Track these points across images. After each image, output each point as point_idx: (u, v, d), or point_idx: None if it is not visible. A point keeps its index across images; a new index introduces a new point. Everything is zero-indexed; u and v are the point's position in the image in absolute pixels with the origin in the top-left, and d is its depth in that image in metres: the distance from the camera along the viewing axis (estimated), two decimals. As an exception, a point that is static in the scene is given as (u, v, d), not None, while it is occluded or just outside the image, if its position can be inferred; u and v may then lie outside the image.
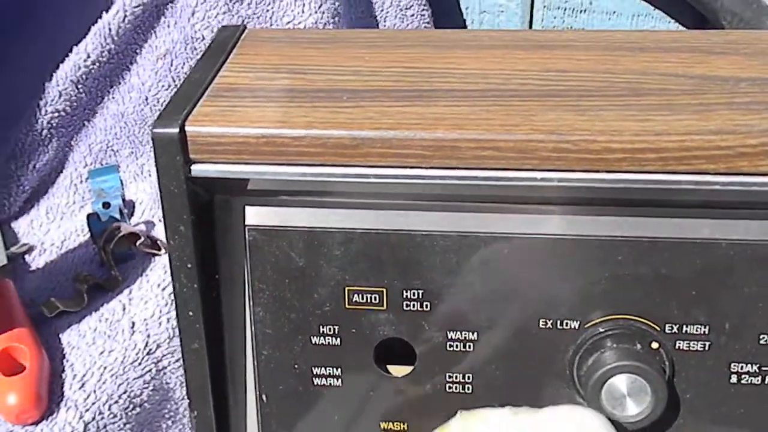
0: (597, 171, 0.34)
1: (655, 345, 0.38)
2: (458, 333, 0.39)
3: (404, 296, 0.39)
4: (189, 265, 0.37)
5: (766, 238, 0.36)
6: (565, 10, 0.73)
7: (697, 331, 0.38)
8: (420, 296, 0.39)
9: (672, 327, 0.38)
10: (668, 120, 0.34)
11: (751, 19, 0.64)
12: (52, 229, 0.62)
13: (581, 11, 0.73)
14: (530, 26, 0.75)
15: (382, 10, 0.69)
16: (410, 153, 0.34)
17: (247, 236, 0.39)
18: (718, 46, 0.40)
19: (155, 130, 0.35)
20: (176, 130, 0.35)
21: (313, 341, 0.40)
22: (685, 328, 0.38)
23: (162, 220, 0.37)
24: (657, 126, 0.33)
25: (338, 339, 0.40)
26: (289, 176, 0.36)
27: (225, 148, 0.35)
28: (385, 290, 0.39)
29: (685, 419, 0.39)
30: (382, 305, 0.39)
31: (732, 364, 0.38)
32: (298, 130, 0.35)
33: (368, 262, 0.39)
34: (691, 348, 0.38)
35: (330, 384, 0.41)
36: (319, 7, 0.60)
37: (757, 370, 0.38)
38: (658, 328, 0.38)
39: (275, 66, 0.40)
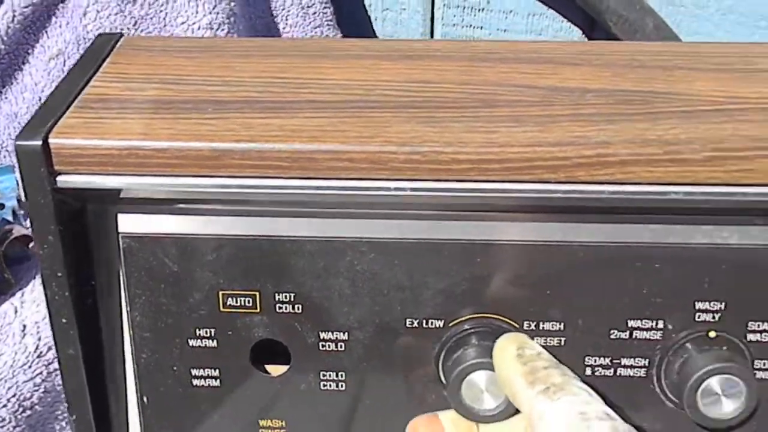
0: (446, 180, 0.35)
1: (513, 341, 0.40)
2: (330, 333, 0.41)
3: (276, 299, 0.40)
4: (59, 274, 0.38)
5: (609, 240, 0.38)
6: (464, 8, 0.75)
7: (553, 327, 0.40)
8: (292, 299, 0.40)
9: (530, 324, 0.40)
10: (513, 132, 0.36)
11: (635, 20, 0.67)
12: (-55, 232, 0.61)
13: (479, 9, 0.75)
14: (432, 23, 0.77)
15: (283, 9, 0.70)
16: (269, 164, 0.36)
17: (121, 243, 0.40)
18: (572, 56, 0.42)
19: (18, 143, 0.36)
20: (39, 142, 0.35)
21: (191, 344, 0.41)
22: (542, 325, 0.40)
23: (31, 231, 0.38)
24: (501, 138, 0.35)
25: (215, 341, 0.41)
26: (154, 187, 0.37)
27: (89, 159, 0.36)
28: (258, 293, 0.40)
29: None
30: (256, 308, 0.41)
31: (586, 358, 0.41)
32: (161, 142, 0.36)
33: (240, 266, 0.40)
34: (548, 343, 0.41)
35: (209, 384, 0.42)
36: (213, 8, 0.60)
37: (609, 363, 0.41)
38: (516, 325, 0.40)
39: (146, 76, 0.41)
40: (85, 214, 0.39)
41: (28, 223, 0.62)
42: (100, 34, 0.44)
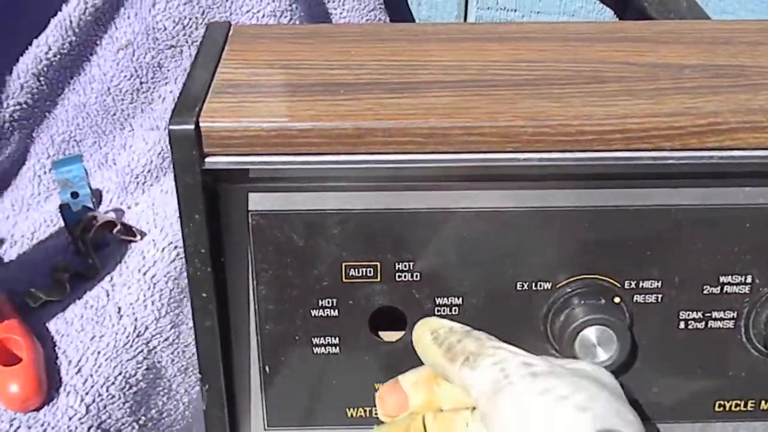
0: (571, 151, 0.39)
1: (617, 300, 0.44)
2: (445, 299, 0.44)
3: (396, 268, 0.43)
4: (202, 251, 0.40)
5: (707, 203, 0.42)
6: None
7: (651, 285, 0.44)
8: (411, 267, 0.43)
9: (630, 283, 0.44)
10: (629, 104, 0.39)
11: (669, 2, 0.71)
12: (19, 221, 0.63)
13: (514, -5, 0.78)
14: (466, 7, 0.80)
15: (337, -2, 0.72)
16: (407, 140, 0.38)
17: (250, 221, 0.42)
18: (660, 35, 0.45)
19: (172, 127, 0.38)
20: (192, 126, 0.38)
21: (313, 314, 0.44)
22: (641, 284, 0.44)
23: (179, 212, 0.40)
24: (620, 110, 0.38)
25: (336, 310, 0.44)
26: (294, 165, 0.39)
27: (237, 141, 0.38)
28: (379, 264, 0.43)
29: (641, 363, 0.45)
30: (377, 277, 0.43)
31: (680, 312, 0.44)
32: (305, 123, 0.38)
33: (363, 239, 0.43)
34: (646, 300, 0.44)
35: (329, 352, 0.45)
36: (277, -4, 0.63)
37: (701, 316, 0.44)
38: (618, 285, 0.44)
39: (268, 62, 0.43)
40: (218, 194, 0.42)
41: (101, 209, 0.63)
42: (209, 23, 0.46)
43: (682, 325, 0.45)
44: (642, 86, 0.40)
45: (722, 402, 0.46)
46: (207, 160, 0.39)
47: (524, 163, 0.39)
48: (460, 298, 0.44)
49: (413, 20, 0.80)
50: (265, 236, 0.42)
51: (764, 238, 0.43)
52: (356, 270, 0.43)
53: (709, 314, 0.44)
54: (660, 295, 0.44)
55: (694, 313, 0.44)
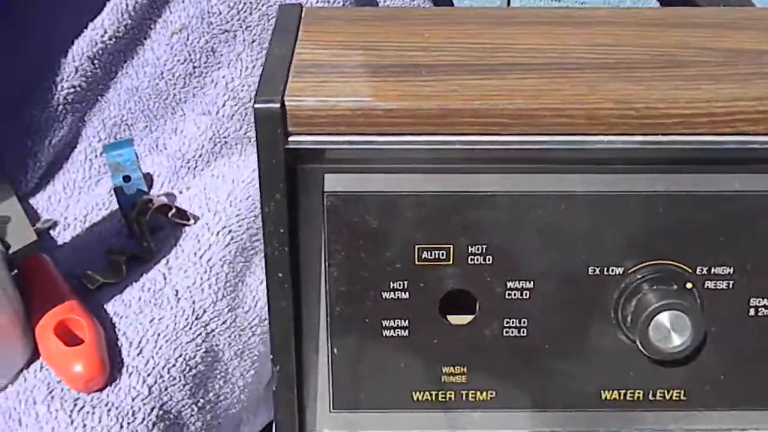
0: (656, 134, 0.39)
1: (689, 285, 0.44)
2: (516, 282, 0.44)
3: (469, 251, 0.43)
4: (282, 230, 0.40)
5: (782, 189, 0.42)
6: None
7: (723, 271, 0.44)
8: (483, 251, 0.43)
9: (702, 269, 0.44)
10: (714, 89, 0.39)
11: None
12: (71, 204, 0.63)
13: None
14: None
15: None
16: (493, 121, 0.38)
17: (325, 202, 0.42)
18: (733, 22, 0.45)
19: (257, 105, 0.38)
20: (278, 105, 0.38)
21: (384, 296, 0.44)
22: (713, 270, 0.44)
23: (259, 191, 0.40)
24: (706, 94, 0.38)
25: (407, 293, 0.44)
26: (377, 145, 0.39)
27: (321, 120, 0.38)
28: (452, 246, 0.43)
29: (709, 350, 0.45)
30: (449, 260, 0.43)
31: (751, 299, 0.44)
32: (390, 103, 0.38)
33: (436, 221, 0.43)
34: (717, 287, 0.44)
35: (398, 335, 0.45)
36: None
37: (772, 304, 0.44)
38: (690, 270, 0.44)
39: (344, 43, 0.43)
40: (295, 174, 0.41)
41: (151, 193, 0.64)
42: (282, 5, 0.46)
43: (752, 312, 0.45)
44: (723, 71, 0.40)
45: (791, 390, 0.46)
46: (291, 139, 0.39)
47: (608, 146, 0.39)
48: (532, 282, 0.44)
49: (452, 5, 0.80)
50: (340, 217, 0.42)
51: (839, 226, 0.43)
52: (429, 252, 0.43)
53: (779, 301, 0.44)
54: (731, 282, 0.44)
55: (765, 300, 0.44)
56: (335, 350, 0.45)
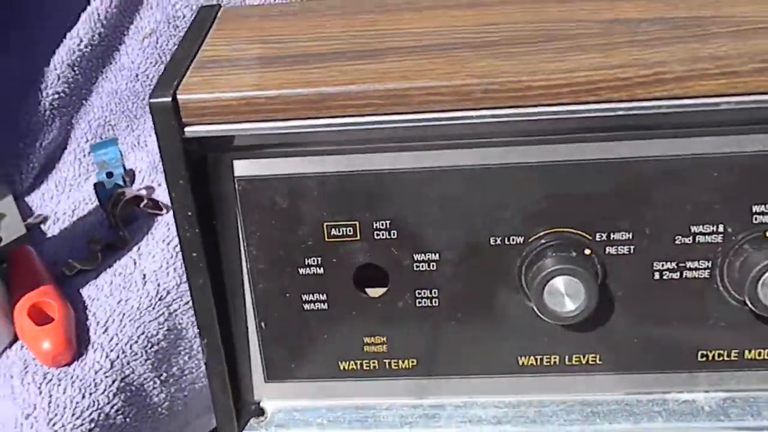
0: (522, 106, 0.40)
1: (587, 252, 0.45)
2: (423, 255, 0.46)
3: (374, 227, 0.46)
4: (189, 213, 0.44)
5: (671, 153, 0.43)
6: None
7: (622, 237, 0.45)
8: (388, 226, 0.46)
9: (601, 235, 0.45)
10: (578, 59, 0.40)
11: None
12: (62, 200, 0.69)
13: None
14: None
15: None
16: (366, 103, 0.41)
17: (237, 186, 0.46)
18: (626, -8, 0.46)
19: (152, 100, 0.42)
20: (169, 99, 0.41)
21: (301, 272, 0.47)
22: (612, 236, 0.45)
23: (164, 178, 0.44)
24: (569, 65, 0.40)
25: (321, 268, 0.47)
26: (267, 131, 0.42)
27: (211, 110, 0.42)
28: (357, 223, 0.46)
29: (619, 314, 0.47)
30: (357, 236, 0.46)
31: (654, 263, 0.45)
32: (271, 91, 0.41)
33: (342, 199, 0.45)
34: (618, 252, 0.45)
35: (318, 308, 0.48)
36: (287, -20, 0.66)
37: (675, 267, 0.45)
38: (589, 237, 0.45)
39: (249, 38, 0.47)
40: (206, 162, 0.45)
41: (134, 187, 0.69)
42: (202, 6, 0.50)
43: (656, 276, 0.46)
44: (595, 41, 0.42)
45: (705, 352, 0.47)
46: (186, 129, 0.42)
47: (477, 121, 0.41)
48: (437, 254, 0.46)
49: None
50: (252, 200, 0.46)
51: (732, 187, 0.43)
52: (337, 229, 0.46)
53: (683, 264, 0.45)
54: (632, 247, 0.45)
55: (668, 263, 0.45)
56: (263, 324, 0.49)
